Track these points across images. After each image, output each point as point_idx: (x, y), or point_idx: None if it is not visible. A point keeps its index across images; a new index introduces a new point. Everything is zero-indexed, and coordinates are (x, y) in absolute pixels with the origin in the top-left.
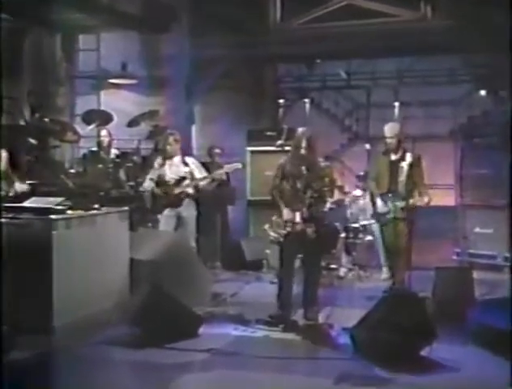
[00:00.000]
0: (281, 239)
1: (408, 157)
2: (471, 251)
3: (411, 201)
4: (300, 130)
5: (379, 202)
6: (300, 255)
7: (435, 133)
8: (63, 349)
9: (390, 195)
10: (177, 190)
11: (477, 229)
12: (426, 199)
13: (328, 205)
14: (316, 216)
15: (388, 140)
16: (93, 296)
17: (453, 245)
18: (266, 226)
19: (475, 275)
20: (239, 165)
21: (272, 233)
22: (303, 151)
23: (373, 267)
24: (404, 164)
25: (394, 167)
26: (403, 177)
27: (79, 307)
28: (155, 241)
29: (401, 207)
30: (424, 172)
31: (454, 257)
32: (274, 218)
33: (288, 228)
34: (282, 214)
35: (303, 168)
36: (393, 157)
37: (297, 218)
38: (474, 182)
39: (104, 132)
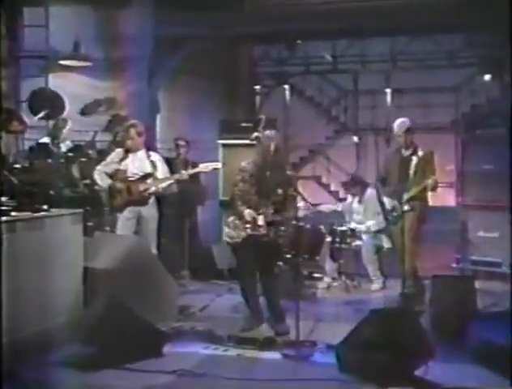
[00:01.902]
0: (238, 240)
1: (420, 152)
2: (474, 258)
3: (418, 187)
4: (267, 133)
5: (387, 200)
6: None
7: (433, 123)
8: (7, 372)
9: (398, 192)
10: (141, 187)
11: (480, 233)
12: (430, 181)
13: (299, 211)
14: (281, 222)
15: (398, 138)
16: (41, 310)
17: (453, 250)
18: (226, 229)
19: (478, 284)
20: (218, 165)
21: (232, 233)
22: (271, 157)
23: (362, 275)
24: (415, 159)
25: (405, 163)
26: (412, 173)
27: (25, 323)
28: (112, 247)
29: (408, 198)
30: (436, 168)
31: (454, 264)
32: (231, 219)
33: (249, 230)
34: (242, 215)
35: (268, 173)
36: (404, 153)
37: (260, 221)
38: (477, 180)
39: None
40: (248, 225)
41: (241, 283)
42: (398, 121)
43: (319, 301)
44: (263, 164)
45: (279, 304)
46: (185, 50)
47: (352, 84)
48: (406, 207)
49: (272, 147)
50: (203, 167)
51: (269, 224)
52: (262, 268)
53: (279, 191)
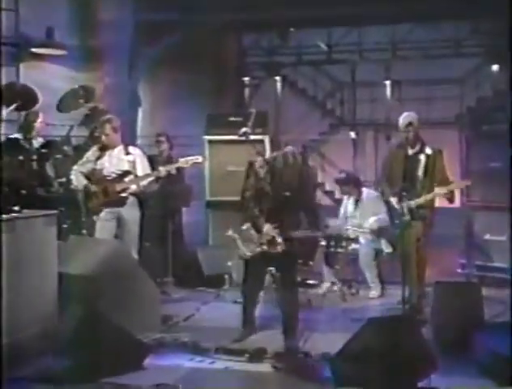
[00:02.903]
0: (251, 254)
1: (428, 151)
2: (480, 263)
3: (428, 196)
4: (288, 149)
5: (394, 201)
6: (271, 269)
7: (436, 118)
8: None
9: (405, 194)
10: (118, 187)
11: (487, 236)
12: (447, 188)
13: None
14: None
15: (403, 134)
16: (13, 320)
17: (457, 255)
18: (230, 232)
19: (485, 292)
20: (198, 159)
21: (243, 248)
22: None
23: (360, 282)
24: (423, 159)
25: (412, 162)
26: (421, 174)
27: None
28: (90, 252)
29: (417, 206)
30: (445, 168)
31: (459, 270)
32: (244, 227)
33: (264, 246)
34: (258, 225)
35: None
36: (410, 151)
37: (278, 237)
38: (483, 178)
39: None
40: (265, 242)
41: (247, 291)
42: (404, 114)
43: (314, 309)
44: (281, 165)
45: (297, 318)
46: (168, 38)
47: (349, 75)
48: (415, 215)
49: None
50: (183, 162)
51: (286, 239)
52: (280, 280)
53: (295, 201)
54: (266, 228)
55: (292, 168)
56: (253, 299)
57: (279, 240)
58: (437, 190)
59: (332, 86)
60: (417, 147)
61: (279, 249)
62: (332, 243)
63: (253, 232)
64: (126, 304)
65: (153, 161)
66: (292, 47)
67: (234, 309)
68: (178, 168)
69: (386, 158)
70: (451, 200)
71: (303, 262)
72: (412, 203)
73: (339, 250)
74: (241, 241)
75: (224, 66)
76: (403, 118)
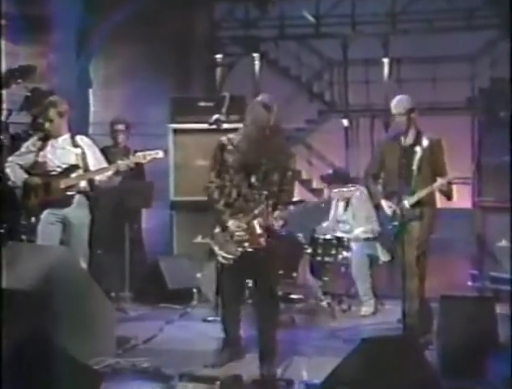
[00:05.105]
0: (232, 259)
1: (425, 141)
2: (494, 274)
3: (421, 192)
4: (260, 98)
5: (385, 204)
6: (248, 281)
7: (443, 102)
8: None
9: (400, 195)
10: (63, 184)
11: (502, 243)
12: (445, 180)
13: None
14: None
15: (397, 118)
16: None
17: (467, 264)
18: (199, 238)
19: (500, 308)
20: (159, 153)
21: (224, 254)
22: (266, 132)
23: (352, 296)
24: (420, 151)
25: (407, 156)
26: (416, 169)
27: None
28: (29, 262)
29: (412, 204)
30: (446, 160)
31: (469, 282)
32: (217, 230)
33: (246, 244)
34: (226, 225)
35: (261, 155)
36: (404, 143)
37: (258, 228)
38: (499, 174)
39: None
40: (244, 237)
41: (226, 310)
42: (398, 98)
43: (298, 328)
44: (254, 142)
45: (275, 337)
46: (125, 9)
47: (340, 52)
48: (410, 216)
49: (266, 118)
50: (140, 157)
51: (268, 229)
52: (259, 291)
53: (276, 178)
54: (231, 223)
55: (266, 131)
56: (233, 313)
57: (258, 230)
58: (432, 185)
59: (320, 65)
60: (412, 137)
61: (263, 242)
62: (319, 251)
63: (226, 232)
64: (74, 324)
65: (107, 154)
66: (273, 18)
67: (204, 328)
68: (137, 164)
69: (376, 152)
70: (449, 197)
71: (285, 273)
72: (406, 203)
73: (328, 258)
74: (217, 247)
75: (192, 42)
76: (396, 102)
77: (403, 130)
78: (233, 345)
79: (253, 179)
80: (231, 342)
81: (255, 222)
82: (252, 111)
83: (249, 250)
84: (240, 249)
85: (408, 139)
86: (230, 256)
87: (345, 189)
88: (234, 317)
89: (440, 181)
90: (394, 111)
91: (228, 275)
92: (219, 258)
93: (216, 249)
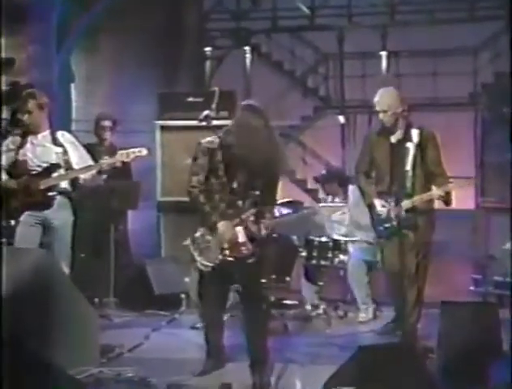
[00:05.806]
0: (211, 266)
1: (415, 136)
2: (498, 279)
3: (416, 198)
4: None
5: (378, 204)
6: (235, 286)
7: (444, 98)
8: None
9: (392, 195)
10: (43, 184)
11: (507, 245)
12: (444, 189)
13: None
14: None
15: (381, 115)
16: None
17: (470, 268)
18: (188, 241)
19: (504, 313)
20: (143, 151)
21: (203, 261)
22: (254, 137)
23: (349, 302)
24: (411, 147)
25: (397, 152)
26: (409, 168)
27: None
28: (8, 266)
29: (407, 209)
30: (441, 155)
31: (472, 287)
32: (199, 234)
33: (227, 252)
34: (215, 229)
35: (245, 161)
36: (393, 139)
37: (241, 236)
38: (503, 173)
39: None
40: (226, 246)
41: (207, 317)
42: (382, 90)
43: (291, 335)
44: (245, 138)
45: (265, 345)
46: None
47: (336, 45)
48: (406, 222)
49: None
50: (123, 155)
51: (252, 239)
52: (246, 299)
53: (259, 183)
54: (222, 227)
55: (256, 134)
56: (215, 322)
57: (241, 238)
58: (434, 190)
59: (315, 58)
60: (401, 133)
61: (245, 251)
62: (314, 254)
63: (209, 236)
64: (55, 332)
65: (92, 152)
66: (265, 9)
67: (192, 336)
68: (123, 162)
69: (364, 147)
70: (447, 203)
71: (278, 277)
72: (402, 204)
73: (323, 262)
74: (197, 252)
75: (181, 34)
76: (380, 96)
77: (390, 127)
78: (215, 354)
79: (234, 185)
80: (212, 351)
81: (237, 229)
82: (240, 117)
83: (230, 259)
84: (220, 257)
85: (397, 135)
86: (209, 264)
87: (332, 204)
88: (215, 325)
89: (437, 191)
90: (378, 105)
91: (208, 282)
92: (198, 265)
93: (196, 254)
